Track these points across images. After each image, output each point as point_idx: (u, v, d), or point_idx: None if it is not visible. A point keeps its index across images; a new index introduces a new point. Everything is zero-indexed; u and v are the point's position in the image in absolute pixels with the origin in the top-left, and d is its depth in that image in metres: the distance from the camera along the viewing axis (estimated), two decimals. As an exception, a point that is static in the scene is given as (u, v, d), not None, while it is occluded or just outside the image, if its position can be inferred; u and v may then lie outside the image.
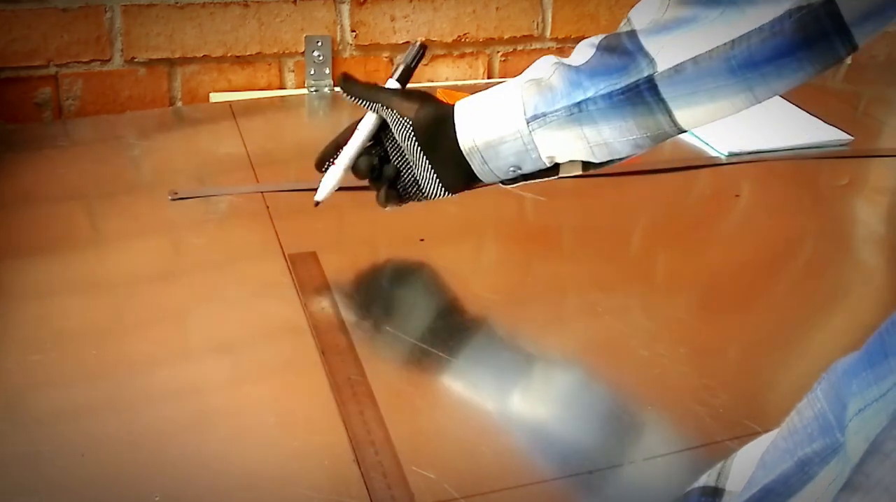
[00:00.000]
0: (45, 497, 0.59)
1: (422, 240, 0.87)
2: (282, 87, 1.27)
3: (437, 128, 0.76)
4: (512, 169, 0.75)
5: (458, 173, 0.77)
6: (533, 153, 0.73)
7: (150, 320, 0.76)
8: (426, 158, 0.77)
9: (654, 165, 1.04)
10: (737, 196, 1.02)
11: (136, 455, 0.62)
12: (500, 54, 1.35)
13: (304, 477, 0.60)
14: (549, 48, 1.36)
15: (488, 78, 1.35)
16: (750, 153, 1.10)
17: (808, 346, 0.79)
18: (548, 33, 1.35)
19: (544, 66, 0.73)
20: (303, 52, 1.25)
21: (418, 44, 0.81)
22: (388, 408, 0.66)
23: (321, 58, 1.26)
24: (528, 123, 0.72)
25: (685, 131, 0.69)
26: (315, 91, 1.26)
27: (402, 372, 0.72)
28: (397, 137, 0.77)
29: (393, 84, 0.80)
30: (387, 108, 0.77)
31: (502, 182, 0.77)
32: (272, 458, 0.62)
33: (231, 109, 1.18)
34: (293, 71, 1.26)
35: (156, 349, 0.73)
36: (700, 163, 1.08)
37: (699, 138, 1.13)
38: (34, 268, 0.82)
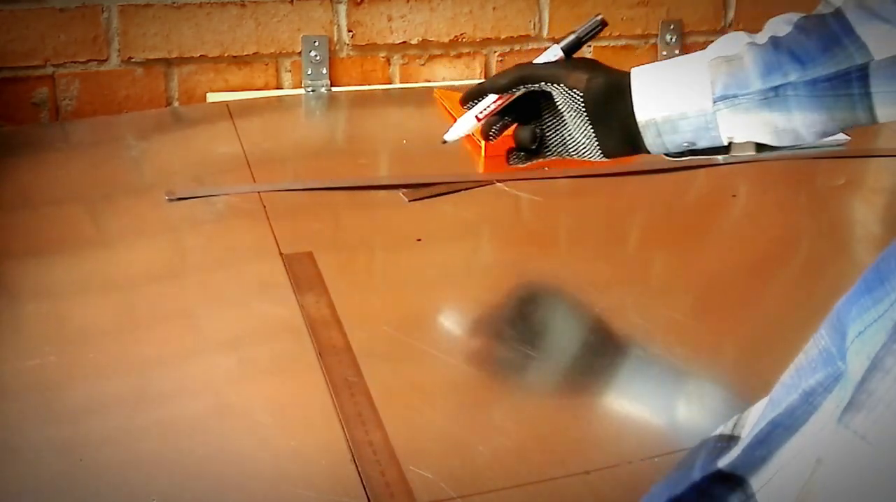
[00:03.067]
0: (43, 497, 0.58)
1: (419, 240, 0.87)
2: (279, 87, 1.27)
3: (609, 98, 0.73)
4: (686, 144, 0.72)
5: (622, 142, 0.74)
6: (713, 132, 0.70)
7: (148, 321, 0.76)
8: (592, 129, 0.74)
9: (651, 165, 1.04)
10: (734, 196, 1.02)
11: (134, 455, 0.62)
12: (496, 54, 1.35)
13: (302, 477, 0.60)
14: (545, 48, 1.36)
15: (485, 78, 1.35)
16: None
17: (805, 345, 0.79)
18: (545, 33, 1.35)
19: (733, 43, 0.69)
20: (300, 52, 1.25)
21: (598, 18, 0.78)
22: (385, 408, 0.66)
23: (318, 58, 1.26)
24: (714, 103, 0.69)
25: (877, 123, 0.66)
26: (312, 91, 1.26)
27: (399, 372, 0.72)
28: (563, 110, 0.75)
29: (556, 52, 0.78)
30: (552, 84, 0.74)
31: (668, 154, 0.75)
32: (269, 458, 0.62)
33: (228, 109, 1.18)
34: (290, 71, 1.26)
35: (153, 349, 0.72)
36: (697, 164, 1.08)
37: (696, 138, 1.13)
38: (32, 269, 0.82)
